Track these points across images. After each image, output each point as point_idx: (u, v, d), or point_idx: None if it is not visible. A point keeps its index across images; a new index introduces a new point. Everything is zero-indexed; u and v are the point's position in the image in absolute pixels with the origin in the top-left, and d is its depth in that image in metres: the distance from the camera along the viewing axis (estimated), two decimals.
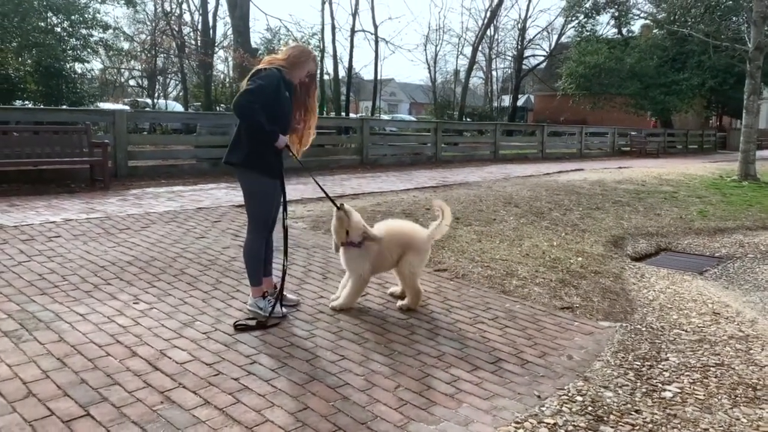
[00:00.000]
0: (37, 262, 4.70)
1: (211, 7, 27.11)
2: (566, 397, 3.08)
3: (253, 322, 3.73)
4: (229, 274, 4.74)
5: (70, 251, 5.06)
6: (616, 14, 33.00)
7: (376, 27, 32.03)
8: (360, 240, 3.98)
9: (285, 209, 3.99)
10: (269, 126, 3.61)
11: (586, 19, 33.74)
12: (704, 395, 3.18)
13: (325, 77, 32.05)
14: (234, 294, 4.31)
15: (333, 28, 30.09)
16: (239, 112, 3.56)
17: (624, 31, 33.68)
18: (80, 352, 3.19)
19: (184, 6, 29.81)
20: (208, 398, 2.82)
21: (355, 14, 30.94)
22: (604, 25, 34.83)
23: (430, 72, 44.09)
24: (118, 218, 6.37)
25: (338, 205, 3.97)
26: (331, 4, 29.72)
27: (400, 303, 4.26)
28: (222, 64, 31.21)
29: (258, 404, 2.80)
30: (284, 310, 3.94)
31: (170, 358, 3.21)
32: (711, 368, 3.54)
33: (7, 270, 4.47)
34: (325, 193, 4.22)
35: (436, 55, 44.44)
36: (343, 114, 29.33)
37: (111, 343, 3.34)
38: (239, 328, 3.66)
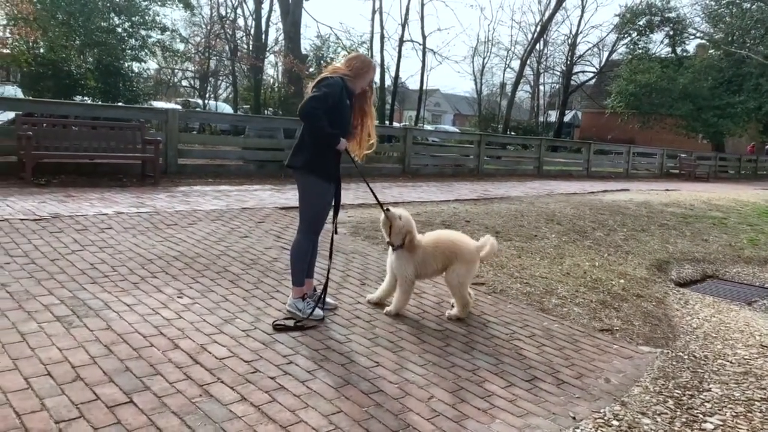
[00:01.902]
0: (89, 252, 4.89)
1: (264, 12, 27.70)
2: (602, 421, 3.03)
3: (291, 323, 3.80)
4: (270, 274, 4.84)
5: (120, 243, 5.25)
6: (671, 33, 32.33)
7: (424, 38, 32.17)
8: (400, 244, 4.12)
9: (336, 213, 4.10)
10: (330, 130, 3.75)
11: (639, 37, 33.16)
12: (747, 430, 3.08)
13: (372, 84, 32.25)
14: (274, 294, 4.39)
15: (382, 37, 30.39)
16: (304, 116, 3.72)
17: (678, 50, 32.89)
18: (126, 341, 3.31)
19: (239, 11, 30.60)
20: (245, 395, 2.89)
21: (404, 24, 31.17)
22: (658, 44, 34.15)
23: (476, 84, 44.03)
24: (167, 214, 6.57)
25: (385, 209, 4.14)
26: (381, 13, 30.08)
27: (448, 312, 4.34)
28: (272, 69, 31.87)
29: (293, 404, 2.86)
30: (323, 313, 4.00)
31: (210, 353, 3.29)
32: (756, 402, 3.43)
33: (62, 258, 4.67)
34: (375, 197, 4.38)
35: (483, 67, 44.20)
36: (387, 123, 29.50)
37: (155, 334, 3.46)
38: (278, 328, 3.73)
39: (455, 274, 4.19)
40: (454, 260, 4.21)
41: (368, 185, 4.45)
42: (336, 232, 4.14)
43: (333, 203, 4.08)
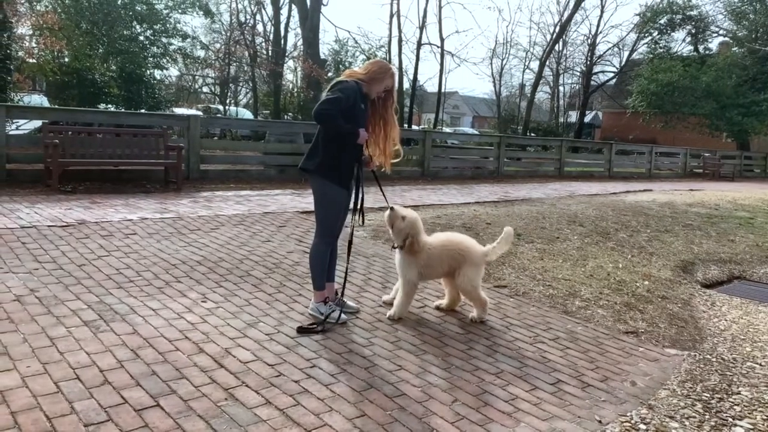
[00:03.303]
0: (114, 257, 4.98)
1: (283, 18, 27.91)
2: (629, 425, 2.99)
3: (318, 327, 3.83)
4: (293, 278, 4.87)
5: (145, 248, 5.33)
6: (693, 31, 31.85)
7: (442, 40, 32.09)
8: (401, 245, 4.06)
9: (361, 212, 4.10)
10: (347, 127, 3.76)
11: (660, 36, 32.73)
12: None
13: None
14: (296, 297, 4.42)
15: (400, 41, 30.38)
16: (319, 118, 3.72)
17: (700, 48, 32.36)
18: (152, 345, 3.36)
19: (258, 17, 30.87)
20: (269, 398, 2.91)
21: (422, 28, 31.16)
22: (679, 42, 33.64)
23: (495, 85, 43.80)
24: (190, 219, 6.65)
25: (390, 206, 4.11)
26: (399, 17, 30.03)
27: (471, 316, 4.32)
28: (291, 74, 32.06)
29: (317, 408, 2.87)
30: (344, 316, 4.02)
31: (235, 357, 3.32)
32: None
33: (88, 263, 4.75)
34: (382, 192, 4.30)
35: (502, 68, 43.96)
36: (406, 126, 29.50)
37: (180, 338, 3.50)
38: (302, 331, 3.76)
39: (466, 278, 4.17)
40: (462, 263, 4.17)
41: (378, 182, 4.31)
42: (362, 223, 4.11)
43: (354, 199, 4.07)
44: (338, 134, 3.80)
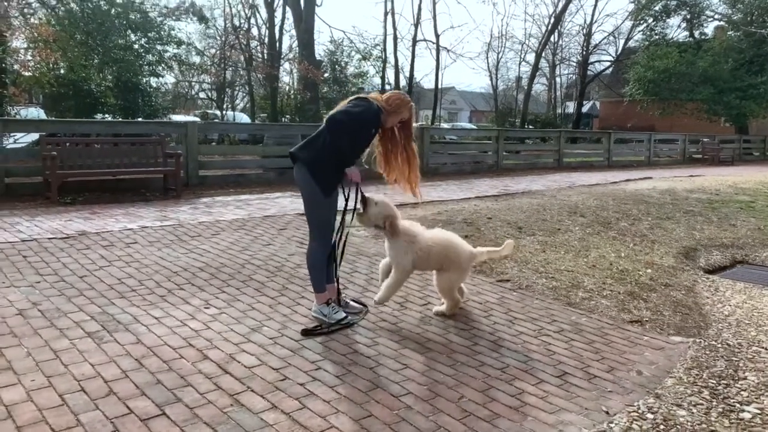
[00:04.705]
0: (116, 267, 4.97)
1: (277, 21, 27.90)
2: (636, 414, 2.98)
3: (324, 329, 3.83)
4: (295, 281, 4.86)
5: (146, 257, 5.33)
6: (688, 16, 31.74)
7: (437, 36, 32.12)
8: (381, 226, 4.04)
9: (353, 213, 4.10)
10: (350, 151, 3.80)
11: (655, 23, 32.60)
12: None
13: (387, 87, 32.35)
14: (299, 300, 4.41)
15: (395, 38, 30.39)
16: (332, 125, 3.70)
17: (696, 33, 32.27)
18: (156, 354, 3.35)
19: (252, 20, 30.83)
20: (275, 402, 2.90)
21: (417, 24, 31.19)
22: (675, 28, 33.57)
23: (491, 79, 43.71)
24: (190, 226, 6.65)
25: (359, 205, 4.08)
26: (393, 15, 30.07)
27: (435, 309, 4.32)
28: (287, 76, 32.02)
29: (323, 410, 2.86)
30: (350, 317, 4.01)
31: (239, 362, 3.32)
32: None
33: (90, 274, 4.75)
34: (362, 195, 4.13)
35: (498, 62, 43.81)
36: None
37: (184, 346, 3.50)
38: (307, 333, 3.75)
39: (446, 279, 4.16)
40: (450, 265, 4.15)
41: (358, 187, 4.10)
42: (341, 239, 4.09)
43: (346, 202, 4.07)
44: (337, 151, 3.76)
